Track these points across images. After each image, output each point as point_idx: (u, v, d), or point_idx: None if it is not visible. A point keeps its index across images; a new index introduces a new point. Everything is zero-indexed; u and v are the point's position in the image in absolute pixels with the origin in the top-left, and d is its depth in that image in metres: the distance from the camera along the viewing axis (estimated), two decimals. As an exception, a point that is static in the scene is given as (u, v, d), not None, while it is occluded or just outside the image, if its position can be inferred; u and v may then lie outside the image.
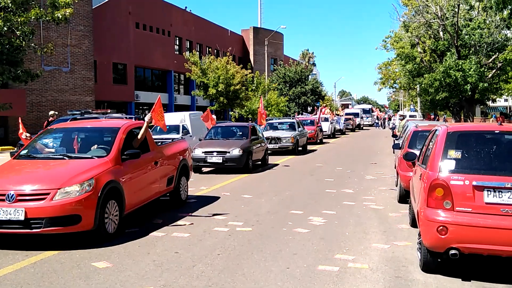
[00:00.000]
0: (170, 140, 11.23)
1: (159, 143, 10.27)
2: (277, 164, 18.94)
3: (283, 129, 24.87)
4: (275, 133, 23.84)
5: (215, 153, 15.94)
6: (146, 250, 7.04)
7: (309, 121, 31.78)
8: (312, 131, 29.54)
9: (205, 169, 16.91)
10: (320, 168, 17.78)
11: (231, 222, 8.75)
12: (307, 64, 75.48)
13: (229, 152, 15.85)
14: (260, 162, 18.14)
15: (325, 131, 35.73)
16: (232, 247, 7.19)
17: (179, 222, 8.81)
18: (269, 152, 22.32)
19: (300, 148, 24.29)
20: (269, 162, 19.10)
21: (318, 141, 31.10)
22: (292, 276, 5.89)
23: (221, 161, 15.84)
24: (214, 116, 23.03)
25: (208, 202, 10.93)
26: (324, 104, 49.57)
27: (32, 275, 6.03)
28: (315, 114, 39.16)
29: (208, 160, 15.94)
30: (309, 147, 26.75)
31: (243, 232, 8.04)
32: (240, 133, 17.84)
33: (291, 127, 25.05)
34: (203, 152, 16.04)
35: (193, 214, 9.57)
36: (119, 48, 36.45)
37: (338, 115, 54.47)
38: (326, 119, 38.37)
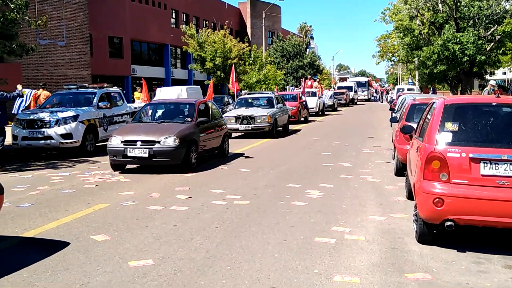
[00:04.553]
0: None
1: None
2: (241, 154, 14.45)
3: (258, 106, 20.95)
4: (248, 110, 19.79)
5: (139, 143, 11.24)
6: (144, 224, 7.09)
7: (291, 95, 28.02)
8: (294, 108, 25.71)
9: (130, 166, 12.04)
10: (317, 142, 17.80)
11: (229, 196, 8.80)
12: (304, 37, 74.87)
13: (159, 142, 11.18)
14: (217, 152, 13.86)
15: (312, 108, 32.03)
16: (230, 220, 7.24)
17: (177, 196, 8.85)
18: (241, 134, 19.85)
19: (280, 128, 20.91)
20: (230, 150, 14.70)
21: (303, 119, 27.61)
22: (289, 248, 5.95)
23: (147, 155, 11.14)
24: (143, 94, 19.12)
25: (205, 176, 10.99)
26: (310, 77, 47.86)
27: (32, 248, 6.08)
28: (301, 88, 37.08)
29: (129, 154, 11.22)
30: (292, 127, 23.57)
31: (240, 206, 8.09)
32: (185, 113, 13.13)
33: (269, 103, 21.04)
34: (122, 142, 11.36)
35: (190, 188, 9.62)
36: (115, 22, 36.04)
37: (334, 88, 53.56)
38: (313, 94, 34.52)
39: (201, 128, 12.49)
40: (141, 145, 11.22)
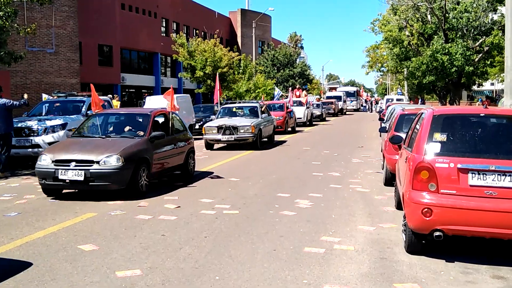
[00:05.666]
0: None
1: None
2: (208, 173, 12.46)
3: (242, 116, 20.21)
4: (230, 120, 18.79)
5: (73, 164, 9.12)
6: (132, 233, 7.03)
7: (277, 105, 27.54)
8: (280, 118, 24.95)
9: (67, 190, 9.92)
10: (306, 151, 17.82)
11: (218, 205, 8.76)
12: (294, 47, 75.20)
13: (98, 162, 9.08)
14: (179, 172, 11.68)
15: (300, 118, 31.21)
16: (219, 229, 7.21)
17: (165, 205, 8.80)
18: (223, 145, 19.15)
19: (265, 139, 19.84)
20: (210, 162, 14.21)
21: (290, 129, 26.95)
22: (278, 258, 5.93)
23: (82, 178, 9.00)
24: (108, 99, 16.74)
25: (194, 186, 10.93)
26: (299, 86, 47.65)
27: (17, 258, 6.00)
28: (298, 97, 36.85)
29: (61, 176, 9.08)
30: (278, 137, 22.62)
31: (230, 215, 8.06)
32: (137, 126, 10.90)
33: (253, 113, 20.09)
34: (53, 162, 9.26)
35: (179, 197, 9.57)
36: (104, 30, 35.98)
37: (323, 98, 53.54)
38: (300, 103, 33.77)
39: (156, 143, 10.44)
40: (75, 165, 9.11)
